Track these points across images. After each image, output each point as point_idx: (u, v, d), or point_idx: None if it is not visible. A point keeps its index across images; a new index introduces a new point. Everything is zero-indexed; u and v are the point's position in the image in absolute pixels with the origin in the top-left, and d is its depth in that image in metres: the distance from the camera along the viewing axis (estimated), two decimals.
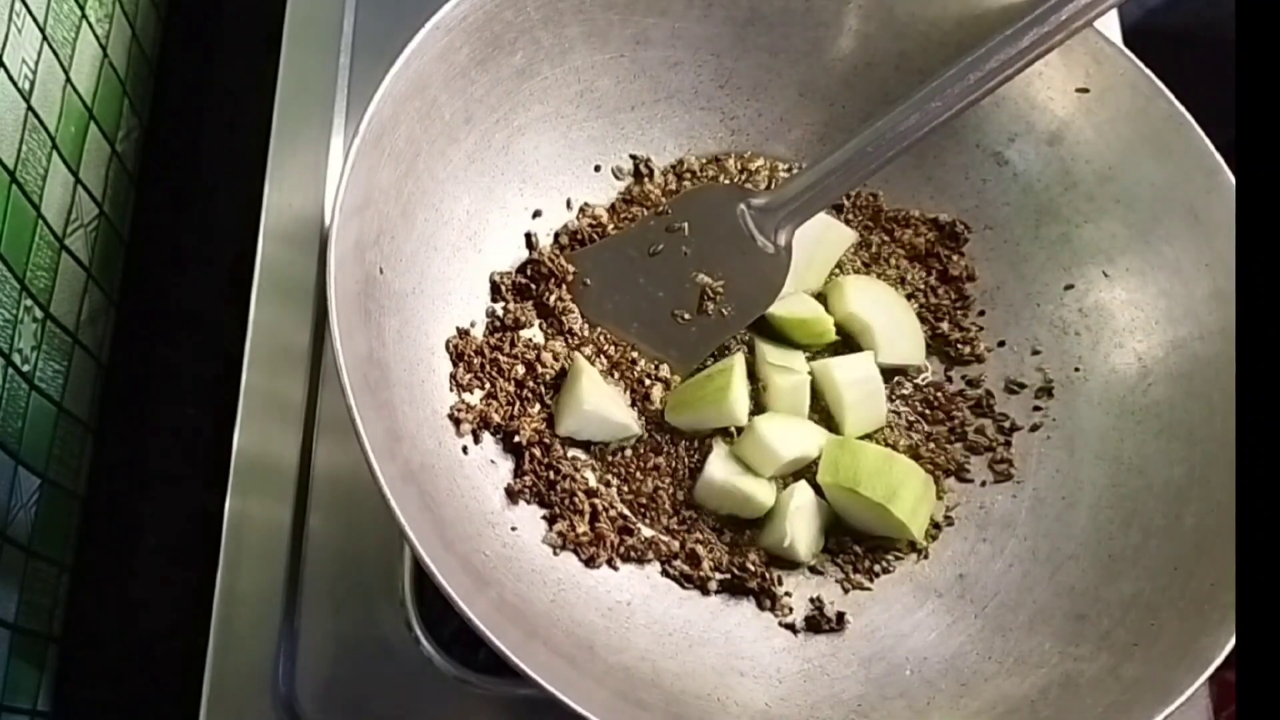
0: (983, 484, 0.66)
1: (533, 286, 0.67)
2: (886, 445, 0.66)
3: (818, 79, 0.72)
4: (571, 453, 0.64)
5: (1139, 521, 0.61)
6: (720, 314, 0.66)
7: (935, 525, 0.65)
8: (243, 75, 0.84)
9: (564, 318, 0.66)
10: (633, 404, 0.65)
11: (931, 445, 0.68)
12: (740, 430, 0.64)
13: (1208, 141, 0.63)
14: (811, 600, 0.62)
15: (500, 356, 0.64)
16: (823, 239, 0.70)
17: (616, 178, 0.71)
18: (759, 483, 0.63)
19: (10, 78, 0.64)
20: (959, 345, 0.70)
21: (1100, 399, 0.66)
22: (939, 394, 0.69)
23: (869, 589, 0.63)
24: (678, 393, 0.65)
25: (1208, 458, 0.60)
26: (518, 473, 0.62)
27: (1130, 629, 0.57)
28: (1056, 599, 0.60)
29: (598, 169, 0.71)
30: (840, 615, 0.62)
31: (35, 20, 0.67)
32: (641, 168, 0.71)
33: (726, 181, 0.72)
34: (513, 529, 0.60)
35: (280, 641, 0.64)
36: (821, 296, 0.69)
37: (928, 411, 0.69)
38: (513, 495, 0.61)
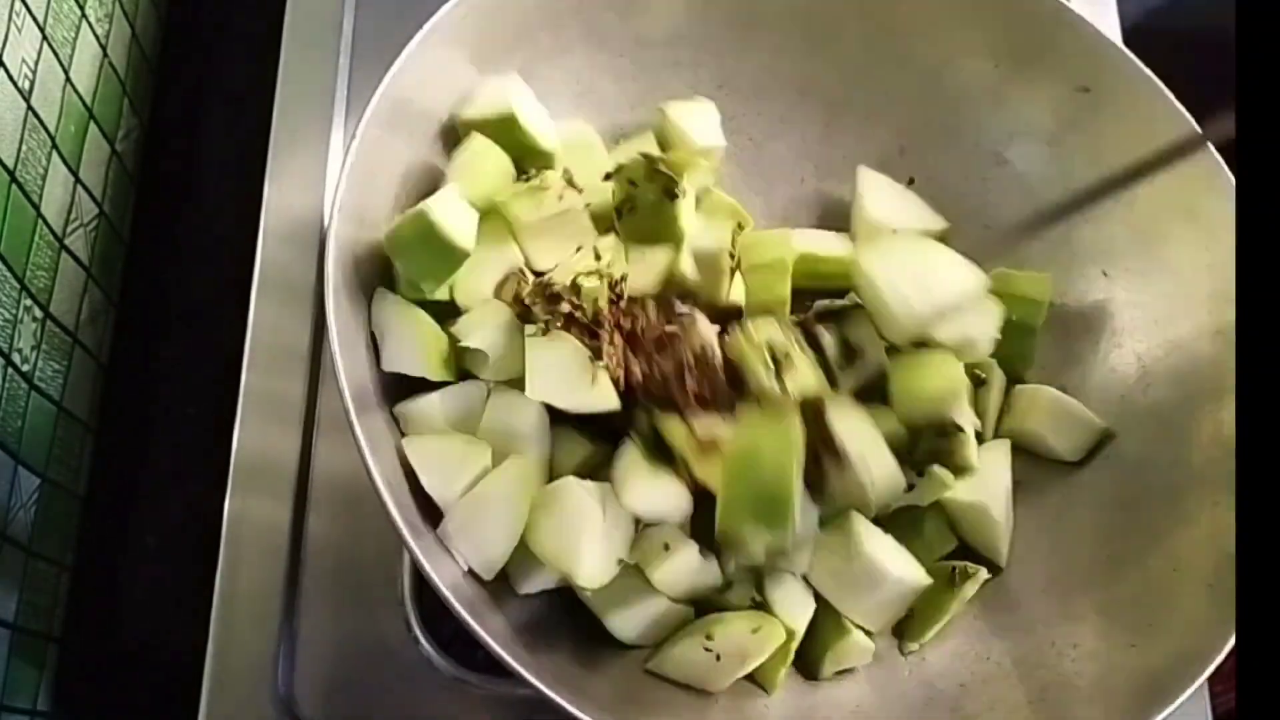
0: None
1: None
2: None
3: (818, 79, 0.72)
4: None
5: (1138, 522, 0.61)
6: None
7: None
8: (243, 75, 0.84)
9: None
10: None
11: None
12: None
13: (1208, 142, 0.62)
14: None
15: None
16: None
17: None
18: None
19: (10, 77, 0.64)
20: None
21: (1100, 399, 0.66)
22: None
23: None
24: None
25: (1207, 458, 0.60)
26: None
27: (1129, 630, 0.57)
28: (1056, 599, 0.60)
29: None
30: None
31: (35, 20, 0.67)
32: None
33: None
34: None
35: (280, 641, 0.64)
36: None
37: None
38: None
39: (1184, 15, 0.92)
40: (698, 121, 0.68)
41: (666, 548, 0.56)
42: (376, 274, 0.58)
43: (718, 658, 0.55)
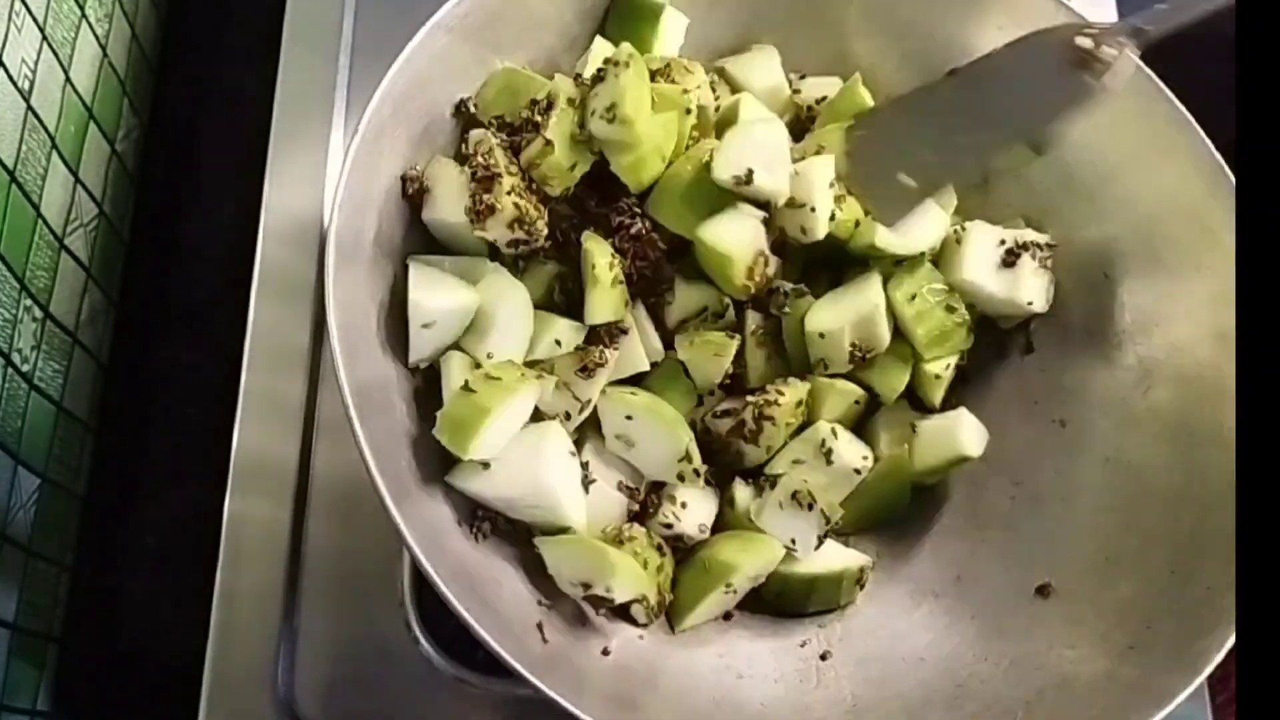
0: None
1: None
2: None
3: None
4: None
5: (1137, 524, 0.61)
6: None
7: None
8: (243, 75, 0.84)
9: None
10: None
11: None
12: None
13: (1209, 143, 0.62)
14: None
15: None
16: None
17: None
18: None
19: (10, 78, 0.64)
20: None
21: (1100, 401, 0.65)
22: None
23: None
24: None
25: (1206, 460, 0.60)
26: None
27: (1127, 631, 0.57)
28: (1054, 601, 0.60)
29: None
30: None
31: (35, 20, 0.67)
32: None
33: None
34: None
35: (280, 641, 0.65)
36: None
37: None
38: None
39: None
40: (757, 69, 0.69)
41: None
42: (376, 274, 0.58)
43: (735, 593, 0.61)
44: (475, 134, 0.60)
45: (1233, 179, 0.61)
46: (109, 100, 0.80)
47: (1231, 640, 0.52)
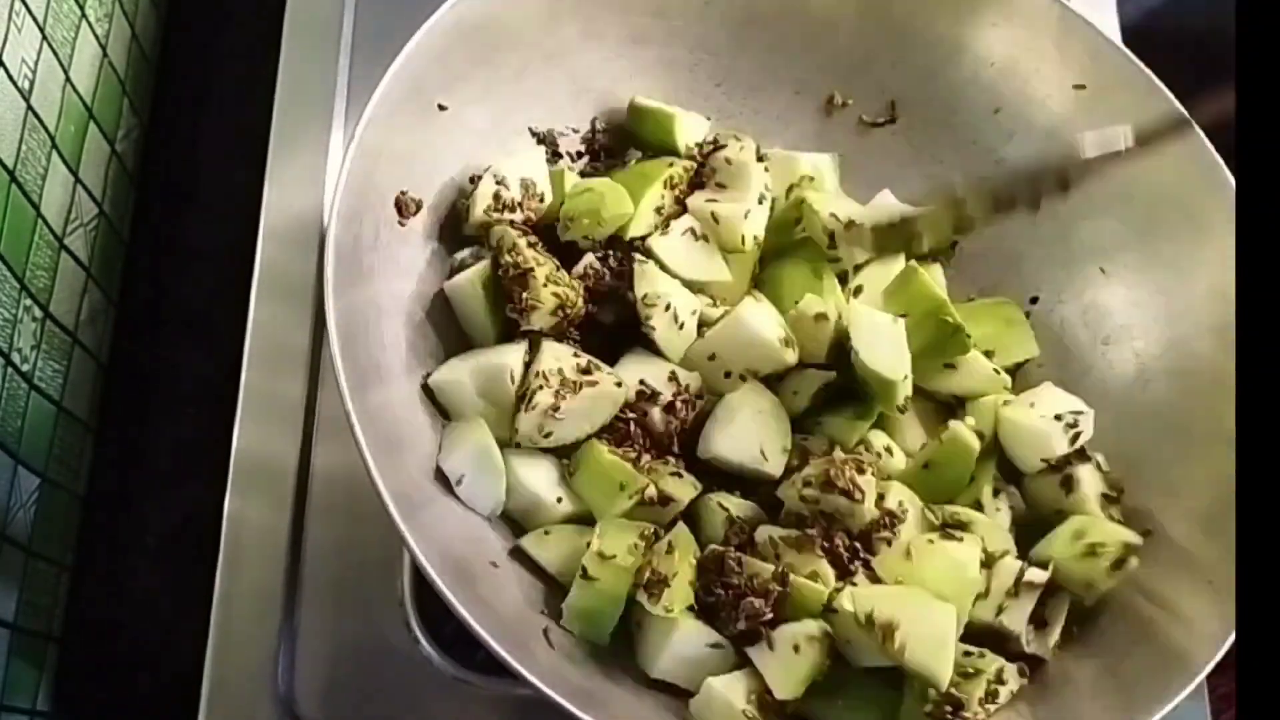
0: None
1: None
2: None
3: (814, 77, 0.72)
4: None
5: (1137, 520, 0.61)
6: None
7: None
8: (243, 75, 0.84)
9: None
10: None
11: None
12: None
13: (1206, 140, 0.62)
14: None
15: None
16: None
17: None
18: None
19: (10, 77, 0.64)
20: None
21: (1099, 396, 0.65)
22: None
23: None
24: None
25: (1206, 455, 0.60)
26: None
27: (1129, 628, 0.57)
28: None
29: None
30: None
31: (35, 20, 0.67)
32: None
33: None
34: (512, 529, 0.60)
35: (280, 641, 0.64)
36: None
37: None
38: None
39: (1184, 15, 0.92)
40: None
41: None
42: (376, 275, 0.58)
43: None
44: (496, 232, 0.60)
45: (1228, 174, 0.61)
46: (109, 100, 0.80)
47: (1232, 637, 0.52)
